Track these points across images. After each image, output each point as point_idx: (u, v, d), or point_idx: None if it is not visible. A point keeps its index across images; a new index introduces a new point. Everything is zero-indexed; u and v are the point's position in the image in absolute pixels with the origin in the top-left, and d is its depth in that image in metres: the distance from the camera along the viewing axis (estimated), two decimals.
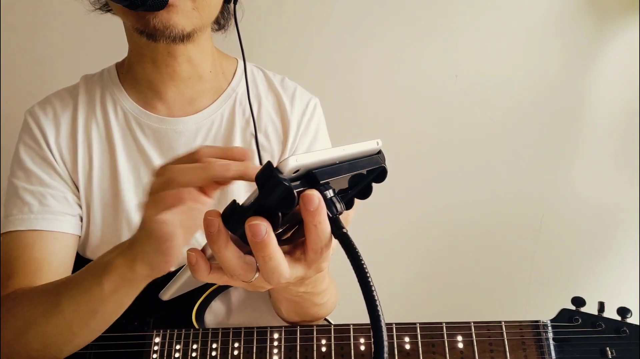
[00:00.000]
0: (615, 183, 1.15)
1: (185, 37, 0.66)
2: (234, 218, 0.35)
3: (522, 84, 1.15)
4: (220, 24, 0.80)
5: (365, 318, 0.52)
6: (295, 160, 0.32)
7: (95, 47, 1.16)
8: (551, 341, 0.63)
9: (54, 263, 0.70)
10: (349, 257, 0.34)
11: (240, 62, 0.82)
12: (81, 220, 0.75)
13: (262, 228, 0.33)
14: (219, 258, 0.36)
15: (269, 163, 0.32)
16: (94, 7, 0.75)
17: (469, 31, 1.14)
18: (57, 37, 1.19)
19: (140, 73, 0.75)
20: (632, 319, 0.63)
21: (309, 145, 0.80)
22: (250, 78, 0.81)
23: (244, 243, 0.35)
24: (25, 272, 0.67)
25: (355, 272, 0.34)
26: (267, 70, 0.85)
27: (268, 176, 0.32)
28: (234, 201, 0.35)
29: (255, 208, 0.34)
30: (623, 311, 0.62)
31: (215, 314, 0.79)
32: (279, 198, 0.32)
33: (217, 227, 0.35)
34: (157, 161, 0.76)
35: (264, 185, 0.33)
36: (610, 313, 0.64)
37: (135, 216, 0.75)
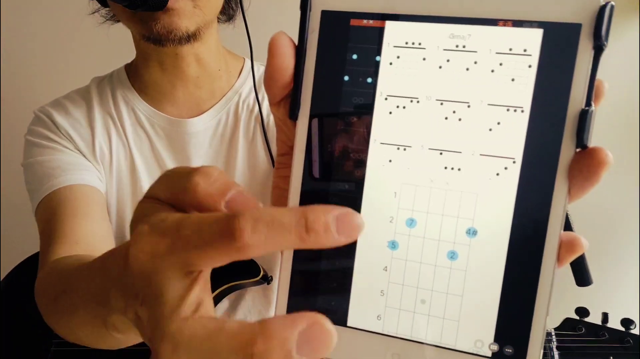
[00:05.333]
0: (614, 184, 1.16)
1: (190, 37, 0.65)
2: None
3: None
4: (228, 14, 0.77)
5: None
6: None
7: (99, 48, 1.11)
8: (555, 350, 0.64)
9: (88, 217, 0.65)
10: None
11: (247, 62, 0.80)
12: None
13: None
14: None
15: None
16: (105, 18, 0.74)
17: None
18: (59, 38, 1.15)
19: (147, 77, 0.74)
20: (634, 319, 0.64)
21: None
22: (256, 74, 0.79)
23: None
24: (60, 237, 0.62)
25: None
26: None
27: None
28: None
29: None
30: (627, 322, 0.63)
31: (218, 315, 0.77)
32: None
33: None
34: (170, 162, 0.75)
35: None
36: (613, 319, 0.65)
37: None
